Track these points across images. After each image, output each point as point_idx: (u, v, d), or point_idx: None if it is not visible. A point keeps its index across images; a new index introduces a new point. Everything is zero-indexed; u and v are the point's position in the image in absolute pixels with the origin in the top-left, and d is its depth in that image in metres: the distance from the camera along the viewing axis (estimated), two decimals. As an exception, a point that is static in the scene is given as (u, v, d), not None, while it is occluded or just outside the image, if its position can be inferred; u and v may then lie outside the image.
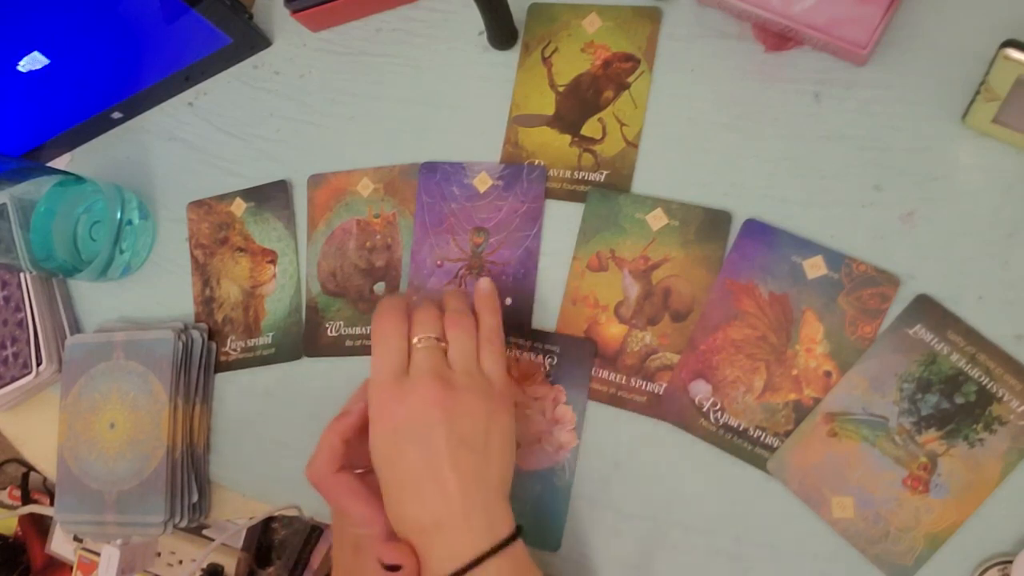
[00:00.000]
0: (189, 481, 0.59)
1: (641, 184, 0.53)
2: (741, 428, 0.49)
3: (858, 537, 0.46)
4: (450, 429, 0.43)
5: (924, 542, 0.45)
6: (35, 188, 0.61)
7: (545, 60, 0.56)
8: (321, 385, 0.59)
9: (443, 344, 0.46)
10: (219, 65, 0.65)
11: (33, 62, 0.58)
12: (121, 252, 0.64)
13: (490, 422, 0.44)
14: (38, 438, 0.68)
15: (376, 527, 0.45)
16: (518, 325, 0.54)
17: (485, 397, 0.44)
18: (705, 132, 0.52)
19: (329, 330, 0.59)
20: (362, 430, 0.46)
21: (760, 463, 0.48)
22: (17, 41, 0.56)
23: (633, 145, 0.53)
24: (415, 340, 0.46)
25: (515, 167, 0.56)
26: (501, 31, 0.55)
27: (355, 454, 0.47)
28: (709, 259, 0.51)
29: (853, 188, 0.48)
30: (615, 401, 0.51)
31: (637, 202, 0.52)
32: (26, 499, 1.22)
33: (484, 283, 0.50)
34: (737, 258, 0.50)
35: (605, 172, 0.54)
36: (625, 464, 0.51)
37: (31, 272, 0.64)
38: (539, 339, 0.53)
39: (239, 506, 0.61)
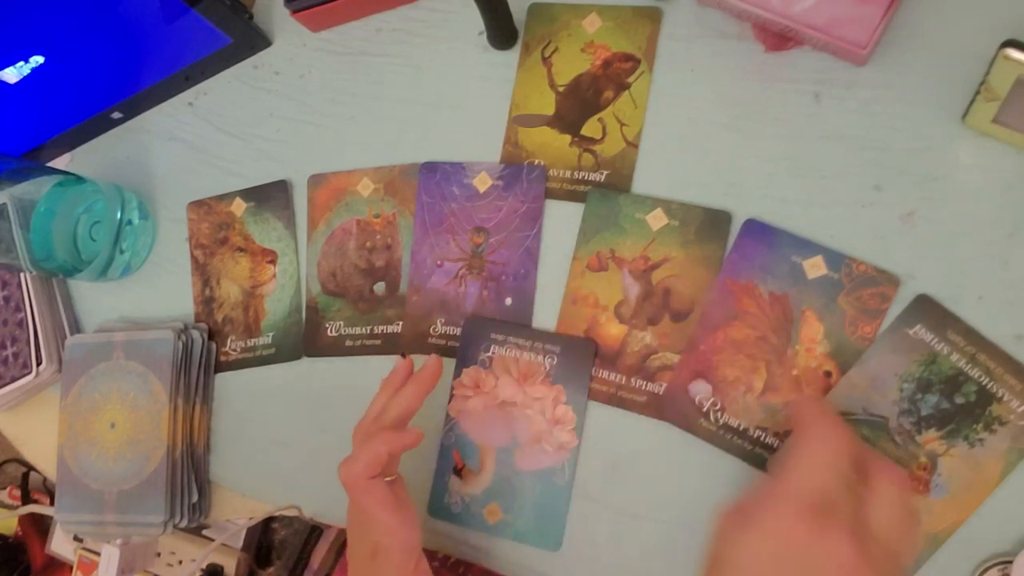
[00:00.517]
0: (189, 481, 0.59)
1: (641, 184, 0.53)
2: (741, 428, 0.49)
3: (858, 537, 0.46)
4: None
5: (924, 542, 0.45)
6: (35, 188, 0.61)
7: (545, 60, 0.56)
8: (321, 385, 0.59)
9: (858, 486, 0.38)
10: (219, 65, 0.65)
11: (33, 62, 0.58)
12: (121, 252, 0.64)
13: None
14: (38, 438, 0.68)
15: (399, 537, 0.45)
16: (518, 325, 0.54)
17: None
18: (705, 132, 0.52)
19: (329, 330, 0.59)
20: (406, 448, 0.47)
21: (760, 463, 0.48)
22: (17, 41, 0.56)
23: (633, 145, 0.53)
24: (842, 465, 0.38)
25: (515, 167, 0.56)
26: (501, 31, 0.55)
27: (390, 464, 0.48)
28: (709, 259, 0.51)
29: (853, 188, 0.48)
30: (615, 401, 0.51)
31: (637, 202, 0.52)
32: (26, 499, 1.22)
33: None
34: (737, 258, 0.50)
35: (605, 172, 0.54)
36: (625, 464, 0.51)
37: (31, 272, 0.64)
38: (539, 339, 0.53)
39: (239, 506, 0.61)
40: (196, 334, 0.60)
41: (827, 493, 0.38)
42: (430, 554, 0.52)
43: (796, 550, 0.38)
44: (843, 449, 0.39)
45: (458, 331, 0.55)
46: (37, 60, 0.58)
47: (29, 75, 0.59)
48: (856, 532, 0.37)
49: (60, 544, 1.14)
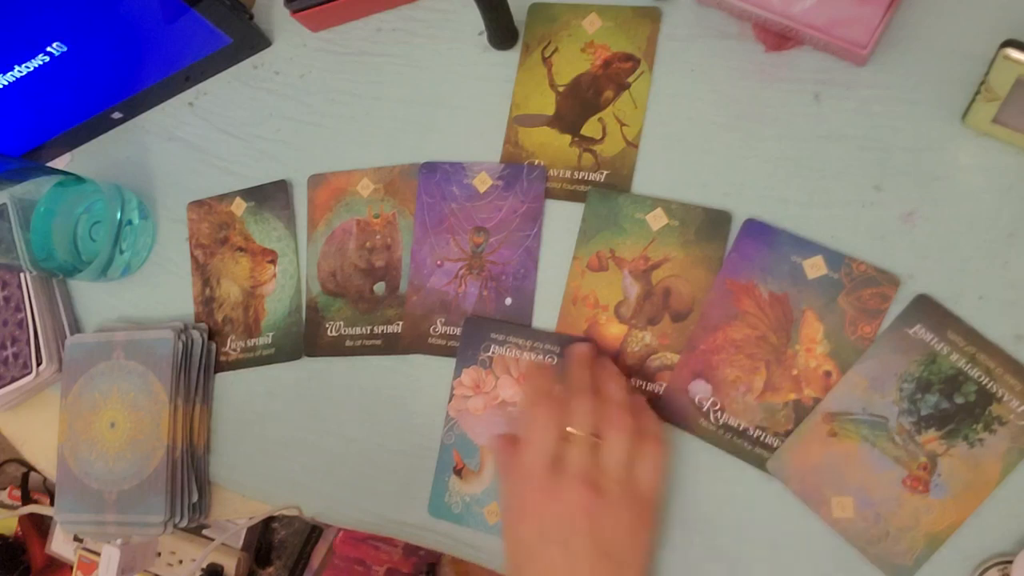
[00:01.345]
0: (189, 481, 0.59)
1: (641, 184, 0.53)
2: (741, 428, 0.49)
3: (858, 537, 0.46)
4: (595, 539, 0.42)
5: (924, 542, 0.45)
6: (35, 188, 0.61)
7: (545, 60, 0.56)
8: (321, 385, 0.59)
9: (597, 440, 0.44)
10: (219, 65, 0.65)
11: (33, 62, 0.58)
12: (121, 252, 0.64)
13: (635, 535, 0.43)
14: (38, 438, 0.68)
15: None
16: (518, 325, 0.54)
17: (635, 509, 0.43)
18: (705, 132, 0.52)
19: (329, 330, 0.59)
20: None
21: (760, 463, 0.48)
22: (17, 41, 0.56)
23: (633, 145, 0.53)
24: (570, 429, 0.44)
25: (515, 167, 0.56)
26: (501, 31, 0.55)
27: None
28: (709, 259, 0.51)
29: (853, 188, 0.48)
30: (615, 401, 0.51)
31: (637, 202, 0.52)
32: (26, 499, 1.22)
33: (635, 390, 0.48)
34: (737, 258, 0.50)
35: (605, 172, 0.54)
36: (625, 464, 0.51)
37: (31, 272, 0.63)
38: (539, 339, 0.53)
39: (239, 506, 0.61)
40: (196, 334, 0.60)
41: (547, 453, 0.44)
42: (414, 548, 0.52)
43: (543, 512, 0.43)
44: (550, 418, 0.45)
45: (458, 331, 0.55)
46: (37, 61, 0.58)
47: (29, 75, 0.59)
48: (587, 478, 0.43)
49: (60, 544, 1.14)
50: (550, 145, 0.55)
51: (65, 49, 0.57)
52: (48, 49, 0.57)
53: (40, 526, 1.21)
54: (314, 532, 1.14)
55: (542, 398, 0.47)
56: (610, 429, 0.44)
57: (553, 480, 0.43)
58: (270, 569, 1.14)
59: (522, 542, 0.44)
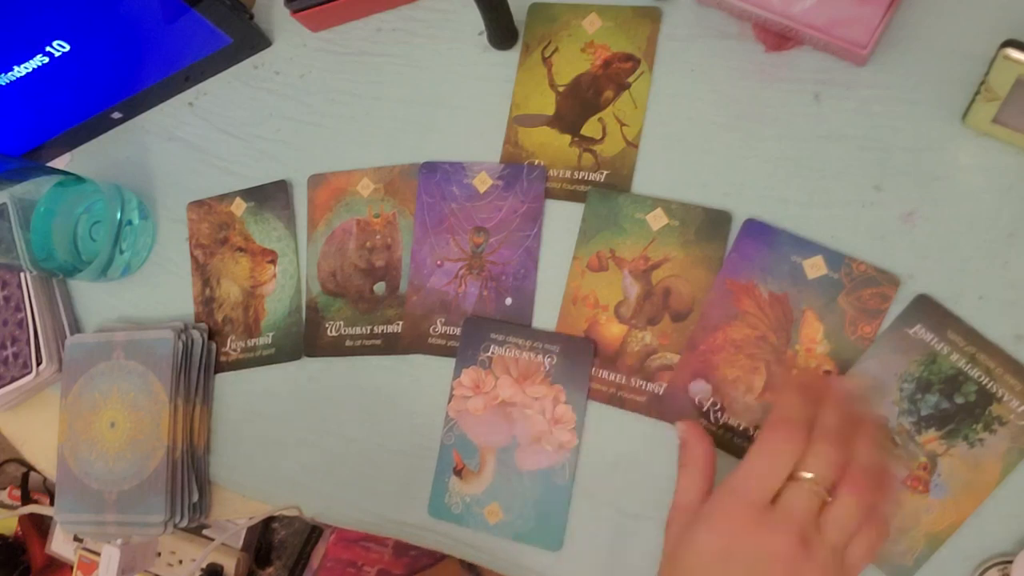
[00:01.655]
0: (189, 481, 0.59)
1: (641, 184, 0.53)
2: (741, 428, 0.49)
3: (858, 537, 0.46)
4: None
5: (924, 542, 0.45)
6: (35, 188, 0.61)
7: (545, 60, 0.56)
8: (321, 385, 0.59)
9: (827, 496, 0.40)
10: (219, 65, 0.65)
11: (33, 62, 0.58)
12: (121, 252, 0.64)
13: None
14: (38, 438, 0.68)
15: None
16: (518, 325, 0.54)
17: None
18: (705, 132, 0.52)
19: (329, 330, 0.59)
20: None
21: (760, 463, 0.48)
22: (17, 41, 0.56)
23: (633, 145, 0.53)
24: (802, 472, 0.40)
25: (515, 167, 0.56)
26: (501, 31, 0.55)
27: None
28: (709, 259, 0.51)
29: (853, 188, 0.48)
30: (615, 401, 0.51)
31: (637, 202, 0.52)
32: (26, 499, 1.22)
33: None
34: (737, 258, 0.50)
35: (605, 172, 0.54)
36: (625, 464, 0.51)
37: (31, 272, 0.63)
38: (539, 339, 0.53)
39: (239, 506, 0.61)
40: (196, 334, 0.60)
41: (770, 488, 0.40)
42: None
43: (741, 546, 0.39)
44: (788, 451, 0.40)
45: (458, 331, 0.55)
46: (37, 61, 0.58)
47: (29, 75, 0.59)
48: (802, 531, 0.38)
49: (60, 544, 1.14)
50: (550, 145, 0.55)
51: (67, 48, 0.57)
52: (48, 49, 0.57)
53: (40, 526, 1.21)
54: (314, 532, 1.14)
55: (790, 425, 0.41)
56: (847, 492, 0.39)
57: (765, 514, 0.39)
58: (270, 569, 1.14)
59: (700, 554, 0.40)
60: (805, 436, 0.40)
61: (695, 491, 0.44)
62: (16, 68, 0.58)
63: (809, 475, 0.39)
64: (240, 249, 0.62)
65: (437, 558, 0.82)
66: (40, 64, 0.58)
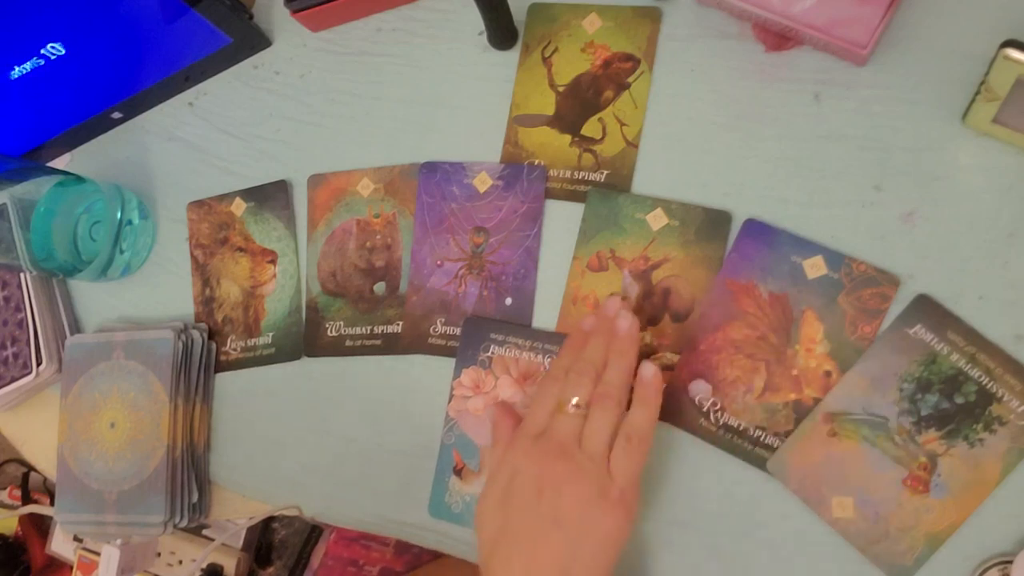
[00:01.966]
0: (189, 481, 0.59)
1: (641, 184, 0.53)
2: (741, 428, 0.49)
3: (858, 537, 0.46)
4: (551, 506, 0.42)
5: (924, 542, 0.45)
6: (35, 188, 0.61)
7: (545, 60, 0.56)
8: (321, 385, 0.59)
9: (584, 414, 0.45)
10: (219, 65, 0.65)
11: (33, 62, 0.58)
12: (121, 252, 0.64)
13: (592, 516, 0.42)
14: (38, 438, 0.68)
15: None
16: (518, 325, 0.54)
17: (597, 490, 0.42)
18: (705, 132, 0.52)
19: (329, 330, 0.59)
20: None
21: (760, 463, 0.48)
22: (17, 41, 0.56)
23: (633, 145, 0.53)
24: (565, 399, 0.45)
25: (515, 167, 0.56)
26: (501, 31, 0.55)
27: None
28: (709, 259, 0.51)
29: (853, 188, 0.48)
30: (615, 401, 0.51)
31: (637, 202, 0.52)
32: (26, 499, 1.22)
33: (648, 372, 0.46)
34: (737, 258, 0.50)
35: (605, 172, 0.54)
36: (625, 464, 0.51)
37: (31, 272, 0.63)
38: (539, 339, 0.53)
39: (239, 506, 0.61)
40: (196, 334, 0.60)
41: (538, 422, 0.45)
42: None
43: (521, 472, 0.44)
44: (550, 390, 0.46)
45: (458, 331, 0.55)
46: (37, 61, 0.58)
47: (29, 75, 0.59)
48: (560, 443, 0.44)
49: (60, 544, 1.14)
50: (550, 145, 0.55)
51: (62, 52, 0.57)
52: (43, 52, 0.57)
53: (40, 526, 1.21)
54: (314, 532, 1.14)
55: (554, 371, 0.47)
56: (596, 407, 0.44)
57: (536, 442, 0.44)
58: (270, 569, 1.14)
59: (493, 491, 0.45)
60: (561, 376, 0.46)
61: (499, 454, 0.48)
62: (16, 68, 0.58)
63: (571, 401, 0.44)
64: (240, 249, 0.62)
65: (439, 554, 0.82)
66: (39, 64, 0.58)
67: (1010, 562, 0.43)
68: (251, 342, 0.61)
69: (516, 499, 0.44)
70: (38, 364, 0.64)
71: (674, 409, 0.50)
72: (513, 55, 0.57)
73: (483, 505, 0.46)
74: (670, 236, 0.51)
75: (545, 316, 0.54)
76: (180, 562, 0.99)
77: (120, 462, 0.59)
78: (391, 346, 0.57)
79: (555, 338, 0.53)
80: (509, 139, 0.56)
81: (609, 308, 0.48)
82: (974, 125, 0.46)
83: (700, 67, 0.53)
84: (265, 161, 0.63)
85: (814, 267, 0.48)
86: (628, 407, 0.45)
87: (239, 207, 0.63)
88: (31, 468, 1.22)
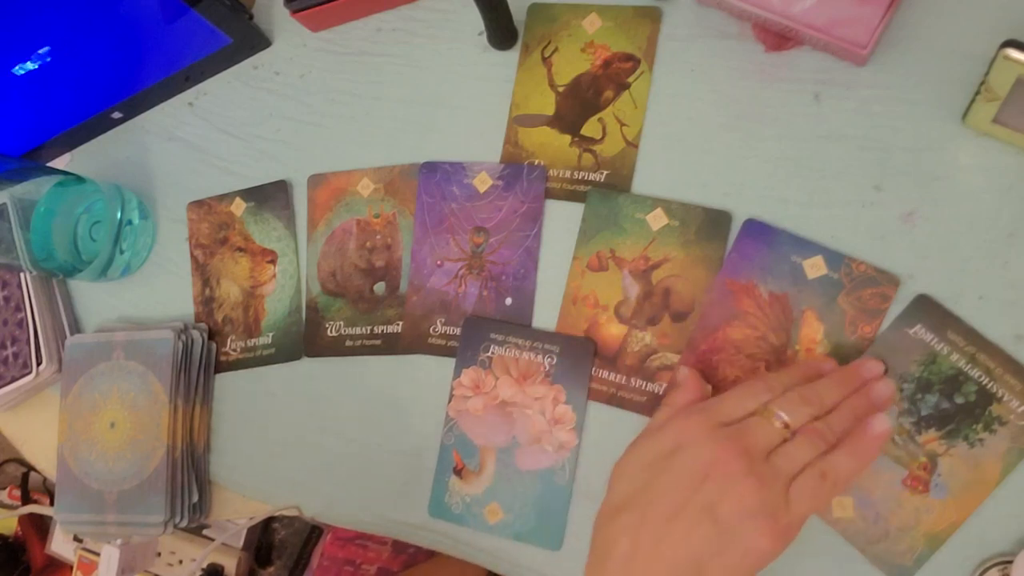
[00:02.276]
0: (189, 481, 0.59)
1: (641, 184, 0.53)
2: (741, 428, 0.49)
3: (858, 537, 0.46)
4: (709, 496, 0.38)
5: (924, 542, 0.45)
6: (35, 188, 0.61)
7: (545, 60, 0.56)
8: (321, 385, 0.59)
9: (787, 435, 0.40)
10: (219, 65, 0.65)
11: (33, 62, 0.58)
12: (121, 252, 0.64)
13: (749, 529, 0.38)
14: (38, 438, 0.68)
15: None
16: (518, 325, 0.54)
17: (767, 508, 0.38)
18: (705, 132, 0.52)
19: (329, 330, 0.59)
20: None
21: (760, 463, 0.48)
22: (17, 41, 0.56)
23: (633, 145, 0.53)
24: (773, 409, 0.41)
25: (515, 167, 0.56)
26: (501, 31, 0.55)
27: None
28: (709, 259, 0.51)
29: (853, 188, 0.48)
30: (615, 401, 0.51)
31: (637, 202, 0.52)
32: (26, 499, 1.22)
33: (880, 427, 0.41)
34: (737, 258, 0.50)
35: (605, 172, 0.54)
36: (625, 464, 0.51)
37: (31, 272, 0.63)
38: (539, 339, 0.53)
39: (239, 506, 0.61)
40: (196, 334, 0.60)
41: (729, 411, 0.41)
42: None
43: (690, 448, 0.40)
44: (757, 391, 0.41)
45: (458, 331, 0.55)
46: (37, 61, 0.58)
47: (29, 75, 0.59)
48: (748, 449, 0.39)
49: (60, 544, 1.14)
50: (550, 145, 0.55)
51: (62, 52, 0.57)
52: (43, 51, 0.57)
53: (40, 526, 1.21)
54: (314, 532, 1.14)
55: (771, 379, 0.43)
56: (805, 438, 0.40)
57: (720, 428, 0.40)
58: (270, 569, 1.14)
59: (648, 449, 0.41)
60: (777, 387, 0.42)
61: (668, 414, 0.44)
62: (16, 68, 0.58)
63: (779, 416, 0.40)
64: (240, 249, 0.62)
65: (436, 553, 0.83)
66: (39, 64, 0.58)
67: (1010, 562, 0.43)
68: (251, 342, 0.61)
69: (674, 470, 0.40)
70: (38, 364, 0.64)
71: (674, 409, 0.50)
72: (513, 55, 0.57)
73: (630, 457, 0.42)
74: (670, 236, 0.51)
75: (545, 316, 0.54)
76: (180, 562, 0.99)
77: (120, 462, 0.59)
78: (391, 346, 0.57)
79: (555, 338, 0.53)
80: (509, 139, 0.56)
81: (870, 369, 0.44)
82: (974, 125, 0.46)
83: (700, 67, 0.53)
84: (265, 161, 0.63)
85: (814, 267, 0.48)
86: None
87: (239, 207, 0.63)
88: (31, 468, 1.22)
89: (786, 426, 0.40)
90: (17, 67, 0.58)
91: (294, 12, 0.60)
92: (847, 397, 0.42)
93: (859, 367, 0.45)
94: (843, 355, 0.47)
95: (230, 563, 1.04)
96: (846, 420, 0.41)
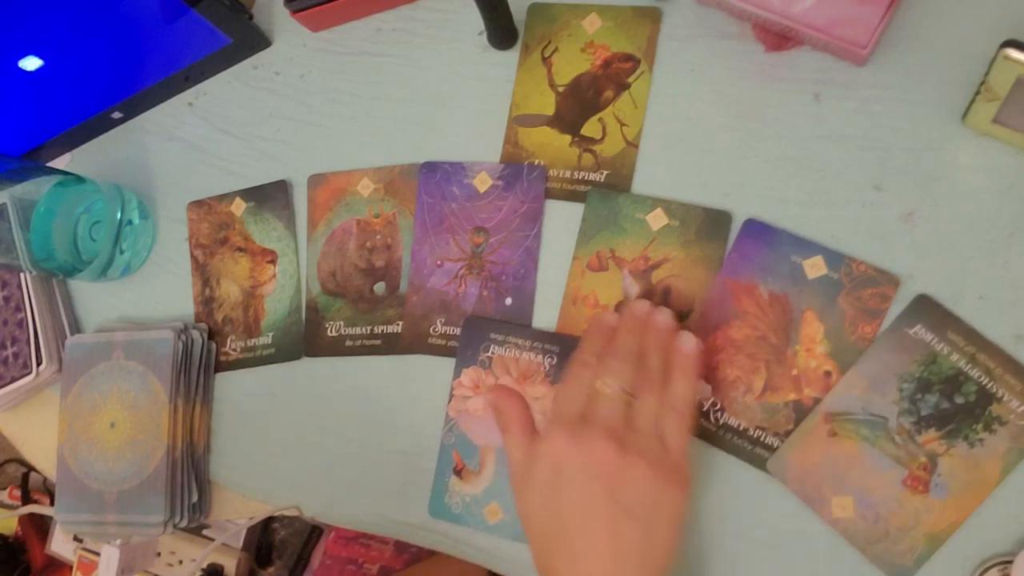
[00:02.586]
0: (189, 481, 0.59)
1: (641, 184, 0.53)
2: (741, 428, 0.49)
3: (858, 537, 0.46)
4: (612, 494, 0.41)
5: (924, 542, 0.45)
6: (35, 188, 0.61)
7: (545, 60, 0.56)
8: (321, 385, 0.59)
9: (629, 397, 0.43)
10: (219, 65, 0.65)
11: (33, 62, 0.58)
12: (121, 252, 0.64)
13: (660, 496, 0.41)
14: (38, 438, 0.68)
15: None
16: (518, 325, 0.54)
17: (660, 469, 0.41)
18: (705, 132, 0.52)
19: (329, 330, 0.59)
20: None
21: (760, 463, 0.48)
22: (17, 41, 0.56)
23: (633, 145, 0.53)
24: (602, 384, 0.44)
25: (515, 167, 0.56)
26: (501, 31, 0.55)
27: None
28: (709, 259, 0.51)
29: (853, 188, 0.48)
30: (615, 401, 0.51)
31: (637, 202, 0.52)
32: (26, 499, 1.22)
33: (688, 342, 0.45)
34: (737, 258, 0.50)
35: (605, 172, 0.54)
36: (625, 464, 0.51)
37: (31, 272, 0.63)
38: (539, 339, 0.53)
39: (239, 506, 0.61)
40: (196, 334, 0.60)
41: (574, 407, 0.44)
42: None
43: (567, 462, 0.42)
44: (583, 374, 0.45)
45: (458, 331, 0.55)
46: (37, 61, 0.58)
47: (29, 75, 0.59)
48: (613, 430, 0.42)
49: (60, 544, 1.14)
50: (550, 145, 0.55)
51: (61, 52, 0.57)
52: (42, 51, 0.57)
53: (40, 526, 1.21)
54: (314, 532, 1.14)
55: (583, 355, 0.46)
56: (644, 390, 0.44)
57: (579, 428, 0.42)
58: (270, 569, 1.14)
59: (536, 484, 0.43)
60: (593, 359, 0.45)
61: (523, 446, 0.46)
62: (16, 67, 0.58)
63: (609, 385, 0.44)
64: (240, 249, 0.62)
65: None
66: (39, 64, 0.58)
67: (1010, 562, 0.43)
68: (251, 342, 0.61)
69: (568, 493, 0.42)
70: (38, 364, 0.64)
71: (674, 409, 0.50)
72: (513, 55, 0.57)
73: (527, 506, 0.44)
74: (670, 236, 0.51)
75: (545, 316, 0.54)
76: (180, 562, 0.99)
77: (120, 462, 0.59)
78: (391, 346, 0.57)
79: (555, 338, 0.53)
80: (509, 139, 0.56)
81: (640, 308, 0.47)
82: (974, 125, 0.46)
83: (700, 67, 0.53)
84: (265, 161, 0.63)
85: (814, 267, 0.48)
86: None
87: (239, 207, 0.63)
88: (31, 468, 1.22)
89: (622, 390, 0.43)
90: (17, 67, 0.58)
91: (294, 12, 0.60)
92: (645, 339, 0.46)
93: (631, 309, 0.48)
94: (843, 355, 0.47)
95: (230, 563, 1.04)
96: (660, 356, 0.45)
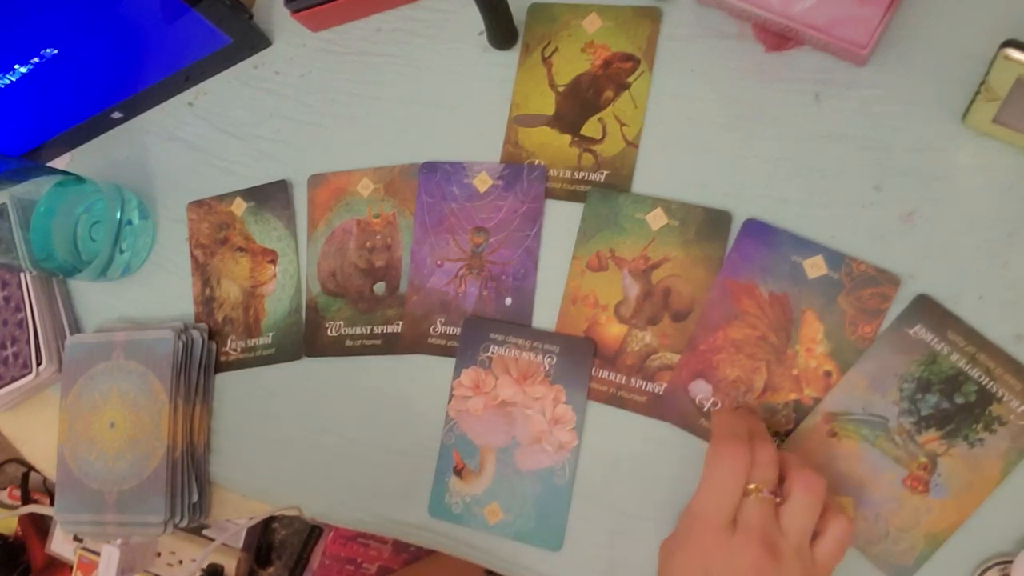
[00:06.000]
0: (189, 481, 0.59)
1: (641, 184, 0.53)
2: (741, 428, 0.49)
3: (858, 537, 0.46)
4: None
5: (924, 542, 0.45)
6: (35, 188, 0.61)
7: (545, 60, 0.56)
8: (321, 385, 0.59)
9: (777, 499, 0.42)
10: (219, 65, 0.65)
11: (33, 62, 0.58)
12: (121, 252, 0.64)
13: None
14: (38, 438, 0.68)
15: None
16: (518, 325, 0.54)
17: (808, 570, 0.40)
18: (705, 132, 0.52)
19: (329, 330, 0.59)
20: None
21: (760, 463, 0.48)
22: (17, 41, 0.56)
23: (633, 145, 0.53)
24: (751, 485, 0.42)
25: (515, 167, 0.56)
26: (501, 31, 0.55)
27: None
28: (709, 259, 0.51)
29: (853, 188, 0.48)
30: (615, 401, 0.51)
31: (637, 202, 0.52)
32: (26, 499, 1.22)
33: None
34: (737, 258, 0.50)
35: (605, 172, 0.54)
36: (625, 464, 0.51)
37: (31, 272, 0.64)
38: (539, 339, 0.53)
39: (239, 506, 0.61)
40: (196, 334, 0.60)
41: (729, 508, 0.42)
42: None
43: (712, 559, 0.42)
44: (739, 468, 0.42)
45: (458, 331, 0.55)
46: (37, 61, 0.58)
47: (29, 75, 0.59)
48: (763, 535, 0.41)
49: (60, 544, 1.14)
50: (550, 145, 0.55)
51: (55, 52, 0.57)
52: (43, 51, 0.57)
53: (40, 526, 1.22)
54: (314, 532, 1.15)
55: (732, 441, 0.43)
56: (799, 490, 0.41)
57: (729, 534, 0.41)
58: (270, 569, 1.14)
59: (686, 572, 0.42)
60: (748, 450, 0.43)
61: (720, 533, 0.44)
62: (16, 68, 0.58)
63: (755, 486, 0.42)
64: (240, 249, 0.62)
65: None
66: (39, 64, 0.58)
67: (1010, 562, 0.43)
68: (251, 342, 0.61)
69: None
70: (38, 364, 0.64)
71: (674, 409, 0.50)
72: (513, 55, 0.57)
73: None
74: (670, 236, 0.51)
75: (545, 316, 0.54)
76: (180, 562, 0.99)
77: (120, 462, 0.59)
78: (391, 346, 0.57)
79: (555, 338, 0.53)
80: (509, 139, 0.56)
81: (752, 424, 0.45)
82: (974, 125, 0.46)
83: (700, 67, 0.53)
84: (265, 161, 0.63)
85: (814, 267, 0.48)
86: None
87: (239, 207, 0.63)
88: (31, 468, 1.22)
89: (773, 493, 0.42)
90: (17, 67, 0.58)
91: (294, 12, 0.60)
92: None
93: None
94: (843, 355, 0.47)
95: (230, 563, 1.04)
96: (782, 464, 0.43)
